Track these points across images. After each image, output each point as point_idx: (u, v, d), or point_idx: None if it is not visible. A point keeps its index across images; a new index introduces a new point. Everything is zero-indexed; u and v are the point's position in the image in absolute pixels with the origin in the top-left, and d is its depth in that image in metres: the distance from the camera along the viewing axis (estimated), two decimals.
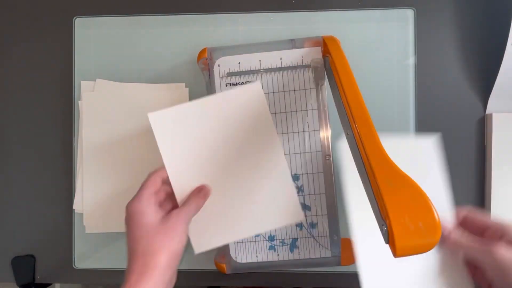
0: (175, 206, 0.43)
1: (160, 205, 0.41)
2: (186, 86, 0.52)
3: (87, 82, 0.52)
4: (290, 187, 0.45)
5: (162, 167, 0.43)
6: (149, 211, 0.39)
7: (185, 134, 0.44)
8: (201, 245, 0.45)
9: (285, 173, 0.45)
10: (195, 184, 0.44)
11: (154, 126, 0.43)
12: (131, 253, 0.38)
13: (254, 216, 0.45)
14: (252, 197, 0.45)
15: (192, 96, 0.52)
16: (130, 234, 0.39)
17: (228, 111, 0.44)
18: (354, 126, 0.37)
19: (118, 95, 0.52)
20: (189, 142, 0.44)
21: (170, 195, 0.43)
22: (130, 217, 0.39)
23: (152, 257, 0.37)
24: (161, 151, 0.43)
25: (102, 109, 0.52)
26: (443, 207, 0.44)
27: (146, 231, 0.38)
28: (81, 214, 0.52)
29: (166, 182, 0.43)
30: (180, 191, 0.43)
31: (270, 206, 0.45)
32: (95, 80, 0.52)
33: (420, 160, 0.45)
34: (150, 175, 0.42)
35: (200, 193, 0.43)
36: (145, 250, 0.37)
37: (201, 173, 0.44)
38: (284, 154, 0.46)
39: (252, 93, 0.44)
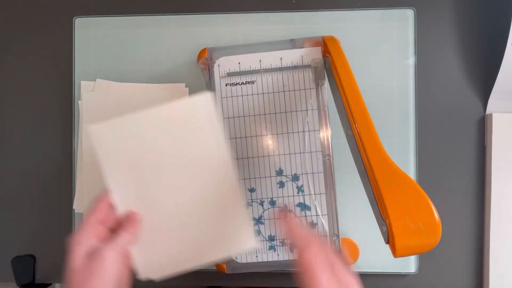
0: None
1: (106, 235, 0.40)
2: (186, 86, 0.52)
3: (87, 82, 0.52)
4: (241, 211, 0.41)
5: (107, 190, 0.40)
6: (78, 250, 0.38)
7: (129, 150, 0.39)
8: (147, 271, 0.41)
9: (236, 195, 0.41)
10: (142, 207, 0.40)
11: (95, 141, 0.39)
12: None
13: (204, 243, 0.41)
14: (201, 222, 0.41)
15: None
16: (65, 281, 0.38)
17: (173, 124, 0.39)
18: (354, 126, 0.37)
19: (118, 95, 0.52)
20: (133, 159, 0.40)
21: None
22: (68, 253, 0.38)
23: None
24: (103, 170, 0.39)
25: (102, 109, 0.52)
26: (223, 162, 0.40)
27: (75, 275, 0.38)
28: (81, 214, 0.52)
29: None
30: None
31: (220, 232, 0.41)
32: (95, 80, 0.52)
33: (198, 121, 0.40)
34: (95, 201, 0.40)
35: (129, 221, 0.40)
36: (75, 285, 0.37)
37: (148, 195, 0.40)
38: (238, 177, 0.42)
39: (200, 104, 0.39)
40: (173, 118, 0.39)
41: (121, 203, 0.40)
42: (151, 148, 0.40)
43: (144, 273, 0.41)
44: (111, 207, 0.40)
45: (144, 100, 0.52)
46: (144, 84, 0.52)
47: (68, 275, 0.38)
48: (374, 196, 0.34)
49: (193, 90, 0.52)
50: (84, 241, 0.38)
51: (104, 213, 0.40)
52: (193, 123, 0.40)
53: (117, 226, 0.40)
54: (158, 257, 0.42)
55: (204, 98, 0.39)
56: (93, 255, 0.38)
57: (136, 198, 0.40)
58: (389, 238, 0.32)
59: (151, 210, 0.41)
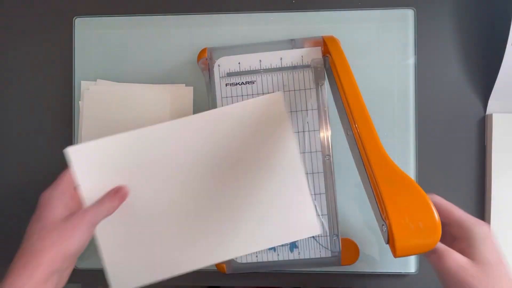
0: None
1: (79, 201, 0.38)
2: (186, 86, 0.52)
3: (87, 82, 0.53)
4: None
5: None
6: (56, 204, 0.36)
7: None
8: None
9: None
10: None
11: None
12: (21, 248, 0.35)
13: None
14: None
15: (196, 96, 0.52)
16: (28, 227, 0.36)
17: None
18: (354, 126, 0.37)
19: (118, 96, 0.52)
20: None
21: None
22: (36, 208, 0.36)
23: (35, 257, 0.34)
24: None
25: (103, 109, 0.52)
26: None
27: (42, 226, 0.35)
28: None
29: None
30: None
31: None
32: (96, 80, 0.52)
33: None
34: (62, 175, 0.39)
35: (117, 194, 0.40)
36: (31, 248, 0.34)
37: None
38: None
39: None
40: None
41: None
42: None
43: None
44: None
45: (145, 101, 0.52)
46: (145, 85, 0.52)
47: (37, 226, 0.35)
48: (374, 196, 0.34)
49: (193, 90, 0.52)
50: (53, 199, 0.36)
51: (72, 185, 0.39)
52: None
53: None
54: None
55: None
56: (71, 215, 0.36)
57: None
58: (389, 238, 0.32)
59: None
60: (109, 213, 0.39)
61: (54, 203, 0.36)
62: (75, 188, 0.38)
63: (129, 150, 0.41)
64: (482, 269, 0.32)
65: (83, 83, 0.53)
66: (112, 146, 0.41)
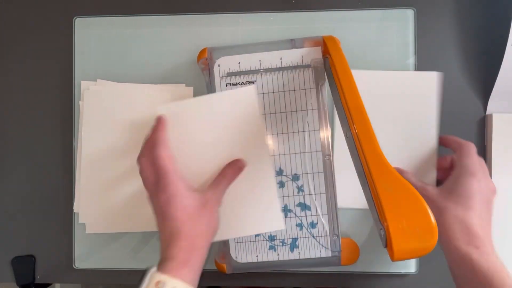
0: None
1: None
2: (186, 86, 0.52)
3: (87, 82, 0.52)
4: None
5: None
6: (188, 194, 0.39)
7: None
8: None
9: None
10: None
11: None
12: (175, 233, 0.38)
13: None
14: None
15: (196, 96, 0.52)
16: (172, 215, 0.38)
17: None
18: (353, 127, 0.37)
19: (118, 96, 0.52)
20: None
21: None
22: (169, 201, 0.39)
23: (198, 239, 0.38)
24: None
25: (103, 109, 0.52)
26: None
27: (189, 214, 0.38)
28: (81, 215, 0.52)
29: None
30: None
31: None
32: (96, 80, 0.52)
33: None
34: (156, 133, 0.41)
35: (236, 165, 0.43)
36: (191, 232, 0.38)
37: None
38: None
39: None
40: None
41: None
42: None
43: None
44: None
45: (145, 100, 0.52)
46: (145, 85, 0.52)
47: (182, 215, 0.38)
48: (372, 200, 0.34)
49: (193, 90, 0.52)
50: (181, 189, 0.39)
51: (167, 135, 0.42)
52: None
53: None
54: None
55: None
56: (204, 198, 0.40)
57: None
58: (387, 242, 0.32)
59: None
60: (229, 186, 0.43)
61: (183, 192, 0.39)
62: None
63: (192, 114, 0.44)
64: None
65: (83, 83, 0.53)
66: (187, 109, 0.44)
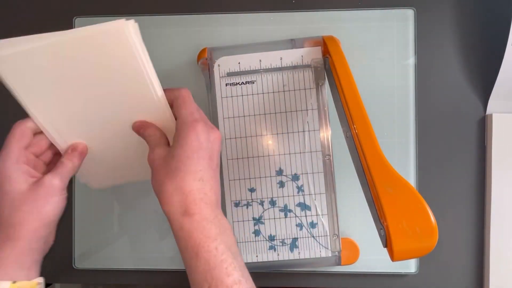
0: (55, 157, 0.40)
1: (34, 162, 0.37)
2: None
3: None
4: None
5: (29, 117, 0.38)
6: (16, 175, 0.35)
7: (45, 78, 0.36)
8: (86, 179, 0.44)
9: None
10: (77, 131, 0.39)
11: (2, 71, 0.36)
12: None
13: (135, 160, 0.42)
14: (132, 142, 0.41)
15: (196, 96, 0.52)
16: None
17: (84, 55, 0.35)
18: (353, 127, 0.37)
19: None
20: (53, 87, 0.37)
21: (47, 147, 0.39)
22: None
23: (15, 229, 0.34)
24: (20, 98, 0.37)
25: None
26: None
27: (11, 200, 0.35)
28: (81, 214, 0.52)
29: (38, 132, 0.38)
30: (61, 139, 0.39)
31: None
32: None
33: None
34: (15, 127, 0.37)
35: (75, 152, 0.39)
36: (8, 221, 0.34)
37: (79, 119, 0.39)
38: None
39: (111, 35, 0.34)
40: (87, 48, 0.34)
41: (51, 130, 0.38)
42: (67, 76, 0.36)
43: (83, 179, 0.44)
44: (36, 132, 0.38)
45: None
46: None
47: (5, 201, 0.35)
48: (372, 200, 0.34)
49: (193, 90, 0.52)
50: (11, 170, 0.35)
51: (28, 139, 0.37)
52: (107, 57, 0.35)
53: (52, 157, 0.39)
54: (97, 170, 0.44)
55: (116, 27, 0.33)
56: (38, 182, 0.36)
57: (68, 123, 0.39)
58: (387, 242, 0.32)
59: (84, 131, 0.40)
60: (74, 171, 0.39)
61: (14, 175, 0.35)
62: (27, 147, 0.37)
63: (41, 64, 0.36)
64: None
65: None
66: (34, 56, 0.36)
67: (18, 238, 0.34)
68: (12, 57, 0.35)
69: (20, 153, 0.36)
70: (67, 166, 0.38)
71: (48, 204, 0.36)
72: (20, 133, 0.37)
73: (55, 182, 0.36)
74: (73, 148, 0.39)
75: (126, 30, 0.33)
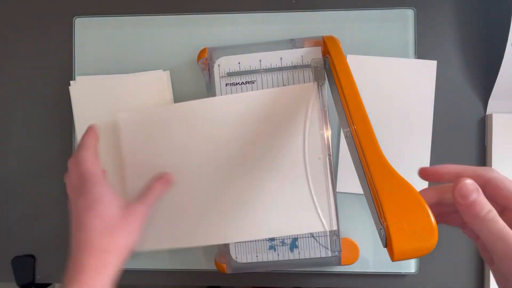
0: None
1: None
2: (165, 70, 0.51)
3: (73, 82, 0.52)
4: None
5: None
6: (109, 200, 0.35)
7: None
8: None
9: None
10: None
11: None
12: (86, 247, 0.34)
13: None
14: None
15: (196, 96, 0.52)
16: (87, 224, 0.35)
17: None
18: (353, 127, 0.37)
19: (101, 89, 0.51)
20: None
21: None
22: (89, 207, 0.35)
23: (110, 255, 0.34)
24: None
25: (91, 105, 0.51)
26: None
27: (103, 225, 0.35)
28: None
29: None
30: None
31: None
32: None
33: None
34: (89, 146, 0.38)
35: (164, 178, 0.40)
36: (105, 247, 0.34)
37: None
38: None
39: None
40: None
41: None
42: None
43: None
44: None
45: (127, 90, 0.51)
46: (123, 75, 0.51)
47: (96, 223, 0.35)
48: (372, 200, 0.34)
49: (193, 90, 0.52)
50: (103, 194, 0.36)
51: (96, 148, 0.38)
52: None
53: None
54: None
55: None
56: (129, 209, 0.36)
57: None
58: (387, 242, 0.32)
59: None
60: (157, 200, 0.39)
61: (107, 198, 0.35)
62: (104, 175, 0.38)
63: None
64: None
65: (71, 82, 0.52)
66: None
67: (112, 265, 0.34)
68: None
69: (107, 184, 0.36)
70: (151, 194, 0.39)
71: (136, 232, 0.36)
72: (95, 153, 0.38)
73: (143, 211, 0.37)
74: (160, 176, 0.40)
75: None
